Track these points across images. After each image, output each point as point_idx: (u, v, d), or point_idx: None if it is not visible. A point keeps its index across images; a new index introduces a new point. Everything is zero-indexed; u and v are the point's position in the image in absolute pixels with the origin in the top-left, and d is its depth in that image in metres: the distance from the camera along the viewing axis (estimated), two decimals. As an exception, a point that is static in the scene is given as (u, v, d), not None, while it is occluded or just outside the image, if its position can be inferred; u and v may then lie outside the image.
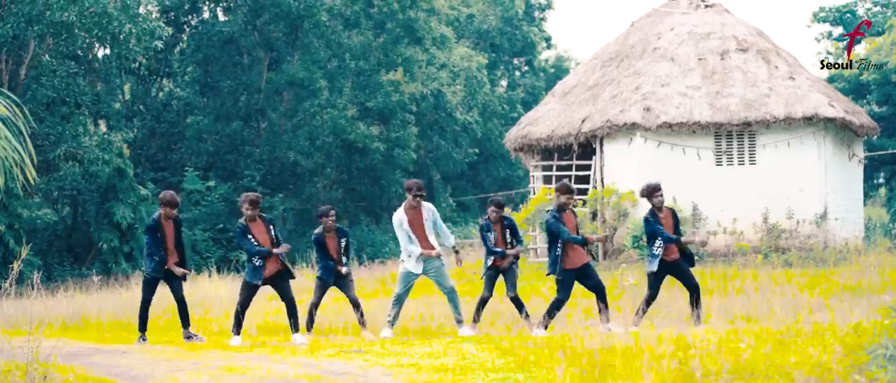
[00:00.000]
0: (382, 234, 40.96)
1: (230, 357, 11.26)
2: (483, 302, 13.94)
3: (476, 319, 13.86)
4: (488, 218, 13.86)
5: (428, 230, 13.52)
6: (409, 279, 13.60)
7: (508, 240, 13.82)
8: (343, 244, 13.88)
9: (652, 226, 13.07)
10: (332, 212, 13.89)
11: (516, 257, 13.92)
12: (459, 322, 13.55)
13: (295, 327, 13.06)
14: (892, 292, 15.74)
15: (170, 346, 12.93)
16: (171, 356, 11.50)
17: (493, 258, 13.82)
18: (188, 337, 13.67)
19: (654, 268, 13.05)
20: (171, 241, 13.47)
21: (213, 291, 21.23)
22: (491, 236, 13.75)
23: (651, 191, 13.24)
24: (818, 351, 8.58)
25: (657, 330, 11.03)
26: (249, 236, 12.80)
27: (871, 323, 9.00)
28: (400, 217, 13.55)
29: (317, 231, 13.84)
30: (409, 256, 13.53)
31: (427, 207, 13.64)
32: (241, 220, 12.95)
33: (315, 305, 13.93)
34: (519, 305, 13.79)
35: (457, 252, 14.00)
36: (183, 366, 10.45)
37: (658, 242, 13.03)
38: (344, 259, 13.88)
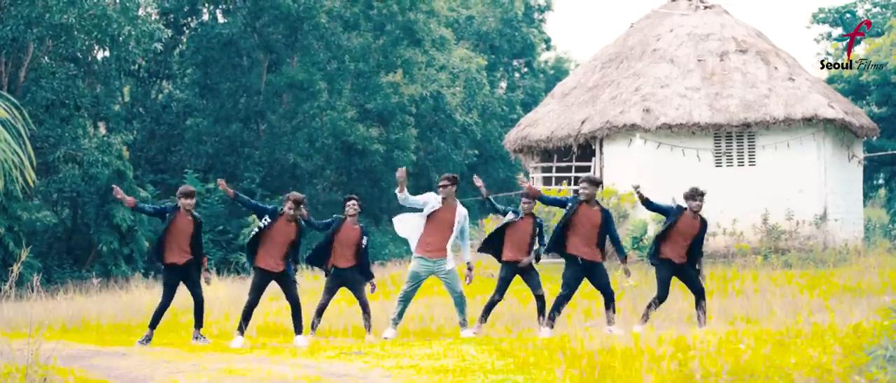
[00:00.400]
0: (382, 236, 40.99)
1: (230, 359, 11.25)
2: (492, 305, 13.68)
3: (483, 320, 13.68)
4: (520, 208, 13.42)
5: (454, 233, 13.09)
6: (417, 277, 13.41)
7: (534, 239, 13.54)
8: (364, 242, 13.59)
9: (660, 207, 13.08)
10: (354, 201, 13.56)
11: (537, 258, 13.53)
12: (463, 324, 13.44)
13: (298, 329, 13.02)
14: (892, 293, 15.74)
15: (170, 348, 12.91)
16: (171, 358, 11.49)
17: (500, 254, 13.55)
18: (196, 337, 13.56)
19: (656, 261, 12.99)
20: (184, 237, 13.23)
21: (212, 293, 21.20)
22: (510, 215, 13.38)
23: (692, 195, 13.10)
24: (818, 352, 8.58)
25: (657, 331, 11.04)
26: (264, 222, 12.73)
27: (871, 323, 8.99)
28: (433, 200, 13.08)
29: (334, 217, 13.57)
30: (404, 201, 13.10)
31: (461, 212, 13.19)
32: (279, 208, 12.85)
33: (322, 307, 13.75)
34: (543, 305, 13.45)
35: (470, 269, 13.32)
36: (183, 368, 10.44)
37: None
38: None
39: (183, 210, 13.15)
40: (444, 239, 13.12)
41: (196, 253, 13.30)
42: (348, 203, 13.53)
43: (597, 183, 12.87)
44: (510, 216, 13.43)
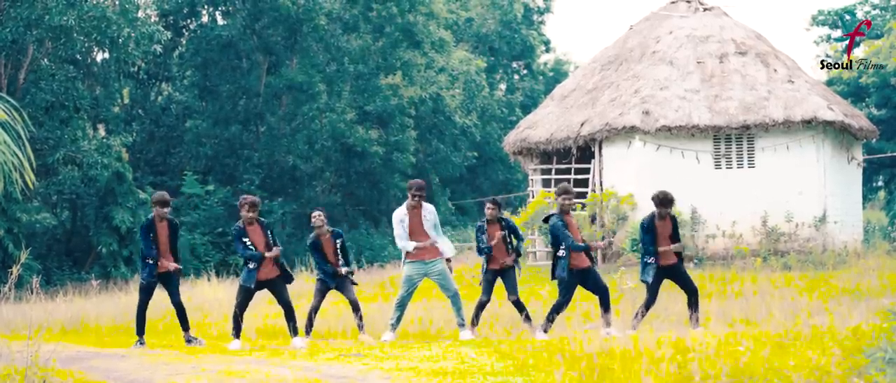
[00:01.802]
0: (381, 238, 40.96)
1: (229, 360, 11.26)
2: (481, 306, 13.95)
3: (474, 323, 13.87)
4: (485, 218, 13.88)
5: (427, 230, 13.50)
6: (412, 282, 13.56)
7: (508, 242, 13.82)
8: (338, 245, 13.83)
9: (642, 234, 13.22)
10: (319, 212, 13.84)
11: (518, 256, 13.89)
12: (462, 325, 13.54)
13: (293, 331, 13.08)
14: (891, 295, 15.76)
15: (169, 350, 12.93)
16: (170, 360, 11.50)
17: (487, 259, 13.78)
18: (189, 340, 13.66)
19: (649, 278, 13.12)
20: (164, 243, 13.44)
21: (211, 295, 21.25)
22: (484, 237, 13.75)
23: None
24: (817, 354, 8.59)
25: (656, 333, 11.04)
26: (245, 239, 12.84)
27: (870, 326, 9.00)
28: (401, 214, 13.49)
29: (311, 236, 13.89)
30: (405, 251, 13.51)
31: (427, 208, 13.61)
32: (239, 223, 12.98)
33: (315, 309, 13.89)
34: (520, 308, 13.80)
35: (448, 261, 13.72)
36: (182, 370, 10.45)
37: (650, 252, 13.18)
38: (342, 260, 13.85)
39: (158, 217, 13.35)
40: (423, 237, 13.44)
41: (175, 255, 13.62)
42: (313, 216, 13.70)
43: (570, 190, 13.15)
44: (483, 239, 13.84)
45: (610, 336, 11.31)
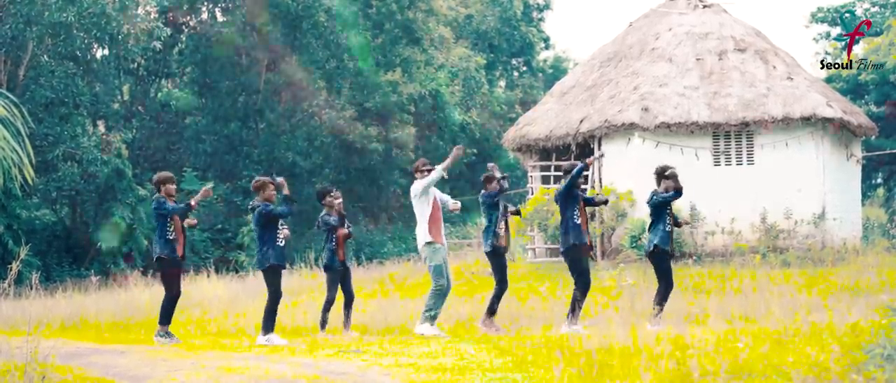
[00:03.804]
0: (381, 234, 40.97)
1: (228, 357, 11.28)
2: (500, 296, 13.85)
3: (491, 314, 13.80)
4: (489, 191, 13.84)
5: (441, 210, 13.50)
6: (444, 267, 13.35)
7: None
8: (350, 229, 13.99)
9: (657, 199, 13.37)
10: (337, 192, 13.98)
11: (517, 213, 14.21)
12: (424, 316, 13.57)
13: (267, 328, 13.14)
14: (890, 292, 15.76)
15: (168, 346, 12.92)
16: (170, 356, 11.51)
17: (496, 239, 13.71)
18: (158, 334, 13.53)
19: (667, 246, 13.18)
20: (178, 223, 13.20)
21: (211, 292, 21.25)
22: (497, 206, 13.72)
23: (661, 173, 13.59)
24: (816, 350, 8.60)
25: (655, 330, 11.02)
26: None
27: (869, 322, 9.01)
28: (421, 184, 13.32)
29: (328, 216, 13.78)
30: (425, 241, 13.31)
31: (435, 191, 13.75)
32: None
33: (330, 302, 13.86)
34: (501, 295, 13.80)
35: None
36: (181, 366, 10.45)
37: (668, 220, 13.34)
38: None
39: (167, 195, 13.18)
40: (438, 218, 13.60)
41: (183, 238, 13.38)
42: (332, 195, 13.77)
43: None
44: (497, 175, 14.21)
45: (569, 331, 11.50)
